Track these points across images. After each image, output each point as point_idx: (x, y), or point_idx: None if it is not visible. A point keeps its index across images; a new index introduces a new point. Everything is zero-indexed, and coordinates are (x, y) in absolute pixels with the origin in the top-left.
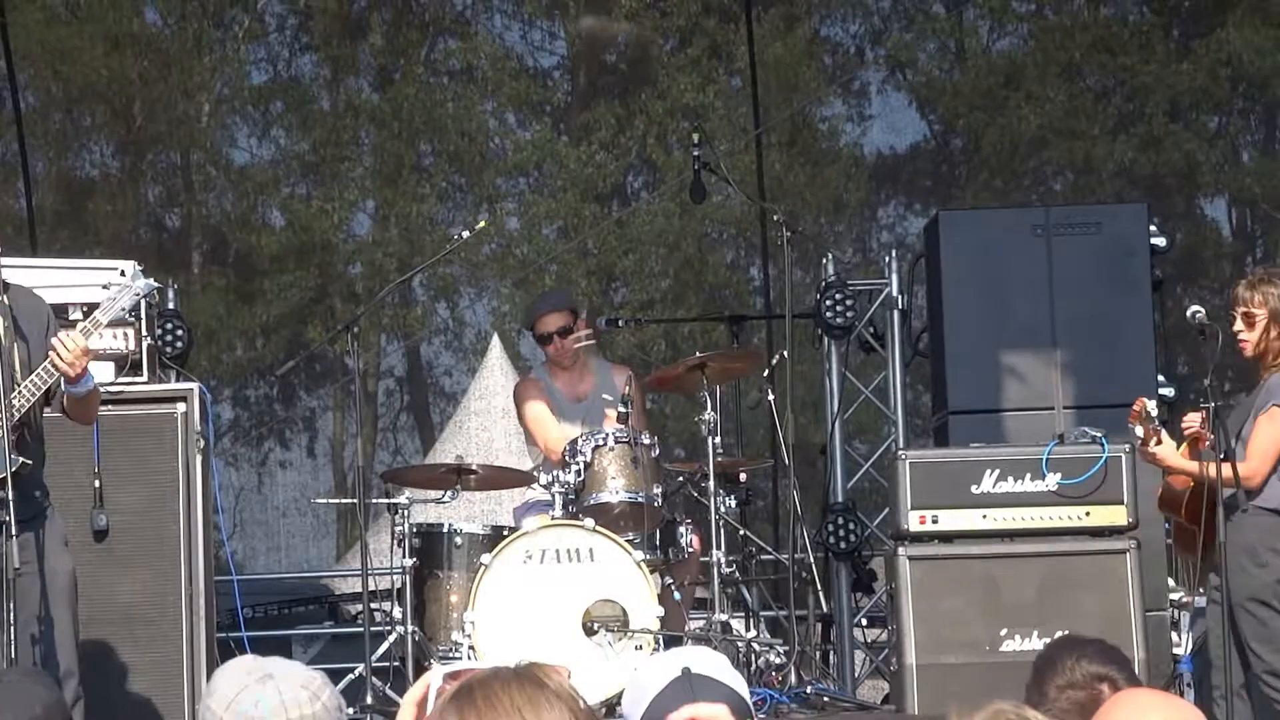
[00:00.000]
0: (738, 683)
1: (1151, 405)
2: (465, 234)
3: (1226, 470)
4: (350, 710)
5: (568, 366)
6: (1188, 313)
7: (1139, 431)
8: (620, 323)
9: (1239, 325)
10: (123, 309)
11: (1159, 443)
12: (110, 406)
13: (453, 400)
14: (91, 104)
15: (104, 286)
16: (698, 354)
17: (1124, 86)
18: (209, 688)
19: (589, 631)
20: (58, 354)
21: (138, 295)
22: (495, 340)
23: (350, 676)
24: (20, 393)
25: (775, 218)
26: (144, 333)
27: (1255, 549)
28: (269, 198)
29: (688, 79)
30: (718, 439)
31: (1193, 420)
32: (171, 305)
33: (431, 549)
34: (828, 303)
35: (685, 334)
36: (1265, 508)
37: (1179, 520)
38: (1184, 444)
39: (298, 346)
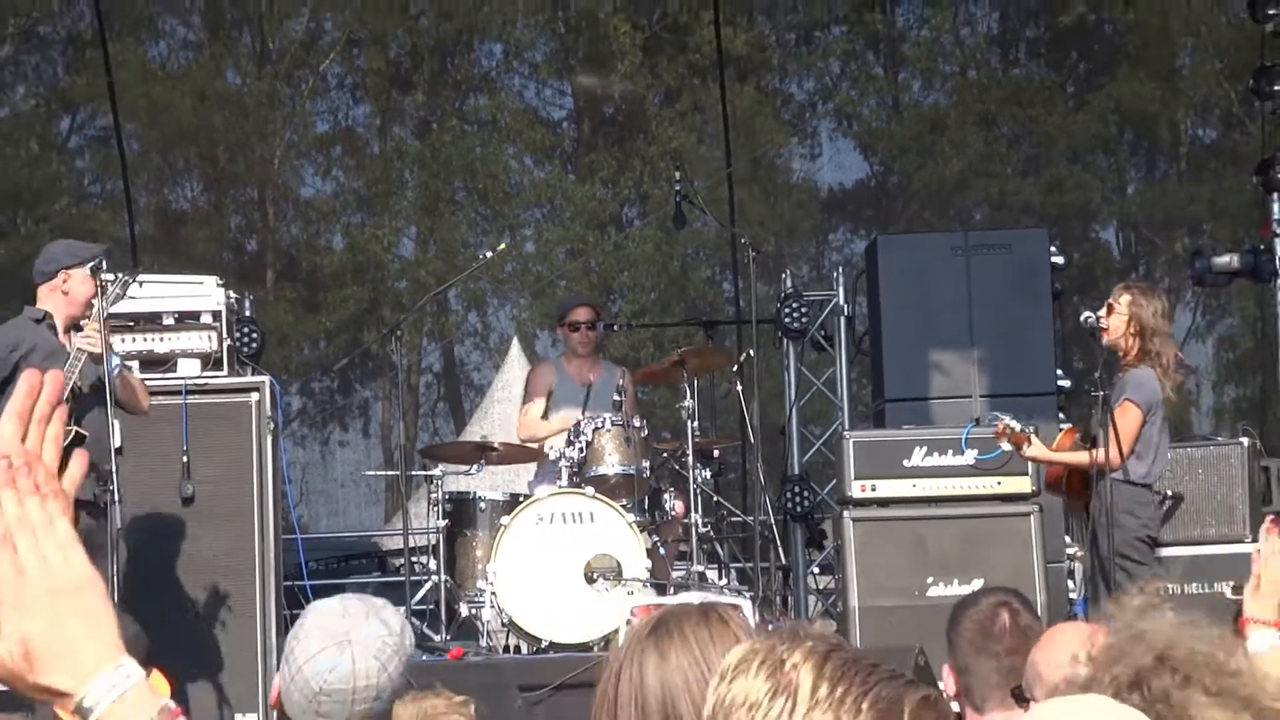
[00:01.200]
0: None
1: (1010, 421)
2: (489, 254)
3: (1099, 454)
4: None
5: (584, 355)
6: (1081, 318)
7: (1006, 446)
8: (616, 327)
9: (1102, 312)
10: (117, 295)
11: (1029, 445)
12: (196, 396)
13: (480, 391)
14: (183, 148)
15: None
16: (678, 350)
17: (1031, 134)
18: (300, 627)
19: (589, 580)
20: (83, 333)
21: (127, 283)
22: (515, 342)
23: None
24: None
25: (743, 241)
26: (224, 335)
27: (1116, 514)
28: (330, 225)
29: (674, 128)
30: (695, 422)
31: (1009, 426)
32: (248, 313)
33: (461, 512)
34: (786, 310)
35: (670, 337)
36: (1124, 480)
37: (1066, 492)
38: (1059, 436)
39: (354, 348)
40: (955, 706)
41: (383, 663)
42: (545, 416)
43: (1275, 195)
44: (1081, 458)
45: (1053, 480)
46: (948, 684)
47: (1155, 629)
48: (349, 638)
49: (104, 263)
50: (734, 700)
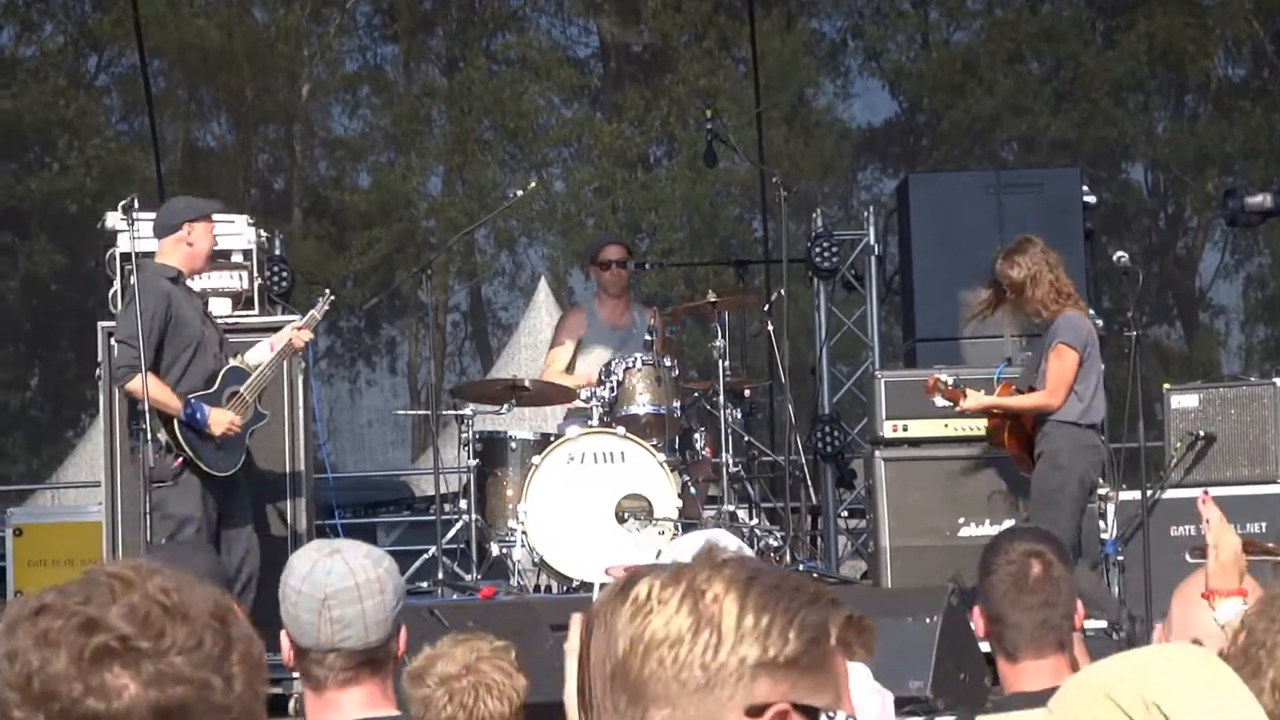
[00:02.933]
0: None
1: (941, 376)
2: (518, 193)
3: (1036, 399)
4: (424, 584)
5: (615, 294)
6: (1114, 258)
7: (941, 401)
8: (648, 266)
9: (1010, 295)
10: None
11: (965, 397)
12: (227, 334)
13: (508, 331)
14: (210, 86)
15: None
16: (711, 294)
17: (1062, 71)
18: (287, 569)
19: (620, 520)
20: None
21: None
22: (542, 283)
23: (424, 556)
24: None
25: (774, 180)
26: (255, 274)
27: (1057, 455)
28: (358, 164)
29: (701, 66)
30: (726, 362)
31: (940, 381)
32: (278, 252)
33: (491, 452)
34: (817, 250)
35: (699, 275)
36: (1063, 420)
37: (1010, 448)
38: (996, 390)
39: (383, 288)
40: (985, 647)
41: (375, 559)
42: (573, 363)
43: None
44: (1021, 401)
45: (995, 435)
46: (977, 626)
47: None
48: (336, 548)
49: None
50: (653, 638)
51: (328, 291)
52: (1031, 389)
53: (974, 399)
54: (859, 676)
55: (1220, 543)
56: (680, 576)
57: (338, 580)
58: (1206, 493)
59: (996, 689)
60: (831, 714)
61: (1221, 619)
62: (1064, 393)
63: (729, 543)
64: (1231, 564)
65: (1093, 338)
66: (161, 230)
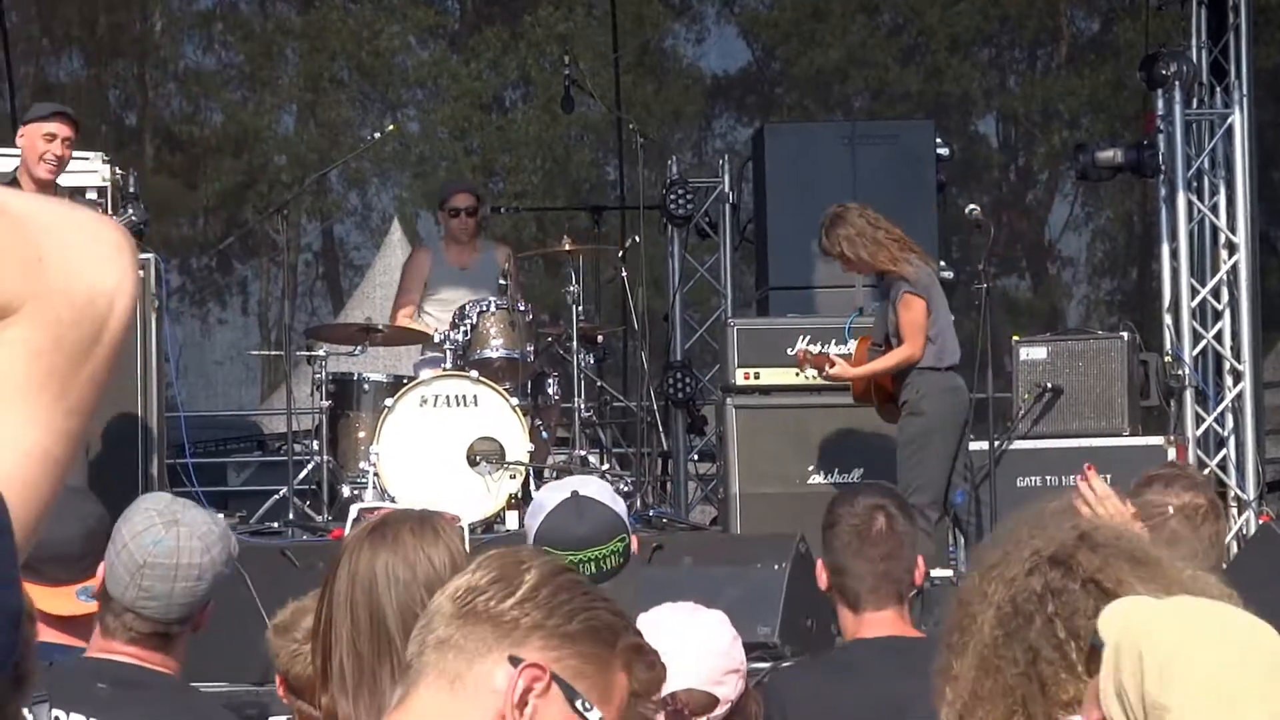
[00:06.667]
0: (617, 504)
1: (807, 345)
2: (376, 135)
3: (899, 355)
4: (275, 524)
5: (464, 241)
6: (966, 210)
7: (810, 372)
8: (504, 210)
9: (843, 268)
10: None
11: (832, 365)
12: None
13: (359, 271)
14: (63, 20)
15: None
16: (566, 240)
17: (912, 24)
18: (127, 515)
19: (472, 463)
20: None
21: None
22: (395, 223)
23: (275, 497)
24: None
25: (630, 127)
26: (110, 213)
27: (918, 402)
28: (211, 100)
29: (559, 10)
30: (580, 307)
31: (807, 352)
32: (133, 189)
33: (344, 393)
34: (672, 197)
35: (552, 219)
36: (922, 367)
37: (876, 399)
38: (855, 346)
39: (233, 225)
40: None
41: (207, 544)
42: (422, 303)
43: (1159, 91)
44: (886, 361)
45: (860, 393)
46: (820, 578)
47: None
48: (176, 518)
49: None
50: (457, 585)
51: None
52: (888, 342)
53: (841, 367)
54: (715, 621)
55: (1104, 510)
56: (511, 551)
57: (161, 555)
58: (1091, 467)
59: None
60: (587, 706)
61: None
62: (920, 341)
63: (597, 488)
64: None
65: (933, 280)
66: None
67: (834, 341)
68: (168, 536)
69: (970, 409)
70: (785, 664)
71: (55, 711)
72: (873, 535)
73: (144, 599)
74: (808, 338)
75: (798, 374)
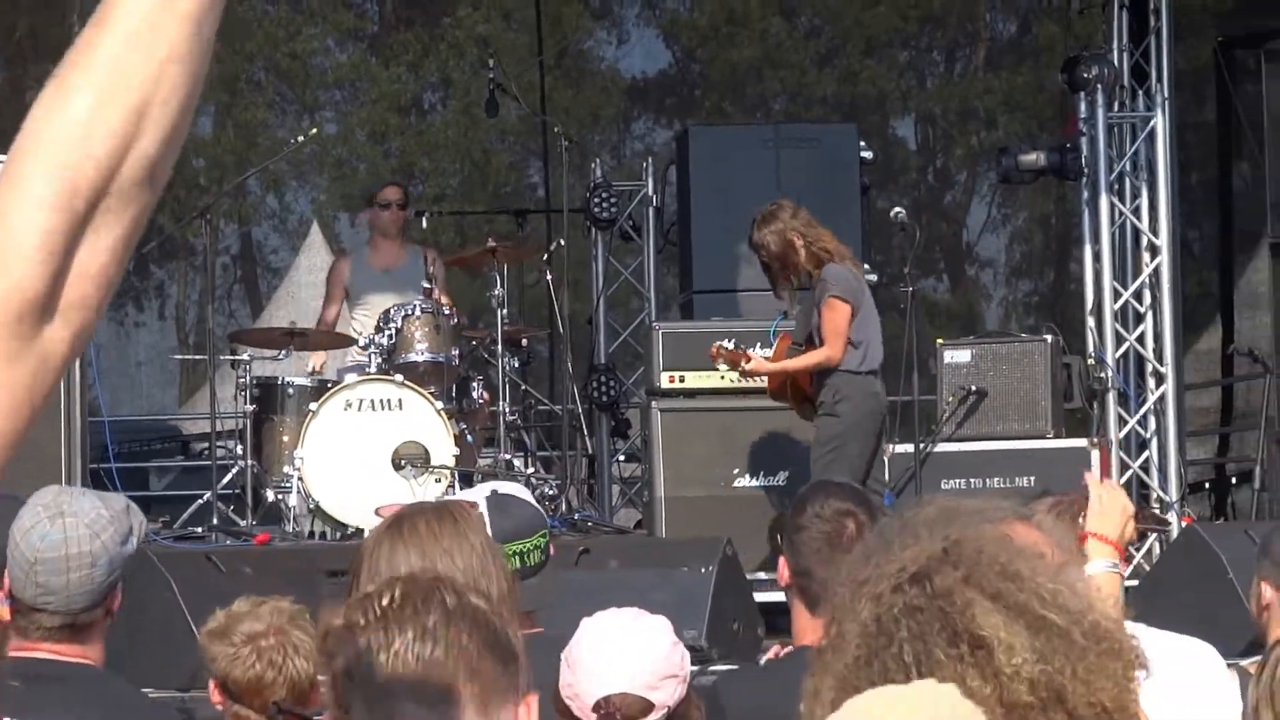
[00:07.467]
0: (537, 505)
1: (722, 343)
2: (300, 138)
3: (816, 356)
4: (199, 529)
5: (391, 236)
6: (891, 213)
7: (723, 367)
8: (429, 214)
9: (773, 265)
10: None
11: (749, 361)
12: None
13: (278, 274)
14: None
15: None
16: (490, 240)
17: (829, 26)
18: (23, 510)
19: (397, 467)
20: None
21: None
22: (315, 226)
23: (199, 501)
24: None
25: (555, 129)
26: None
27: (835, 405)
28: None
29: (479, 11)
30: (505, 311)
31: (722, 348)
32: None
33: (268, 397)
34: (595, 200)
35: (471, 223)
36: (841, 369)
37: (792, 398)
38: (775, 343)
39: (150, 229)
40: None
41: (95, 531)
42: (350, 309)
43: (1082, 94)
44: (802, 361)
45: (776, 388)
46: (781, 576)
47: (950, 518)
48: (61, 510)
49: None
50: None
51: None
52: (809, 342)
53: (756, 363)
54: (655, 627)
55: (1107, 494)
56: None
57: (49, 549)
58: (1104, 447)
59: (768, 640)
60: None
61: (1089, 570)
62: (841, 344)
63: (515, 488)
64: (1116, 512)
65: (863, 286)
66: None
67: (759, 344)
68: (53, 530)
69: (886, 414)
70: (728, 668)
71: None
72: (843, 543)
73: (43, 595)
74: (733, 340)
75: (721, 377)
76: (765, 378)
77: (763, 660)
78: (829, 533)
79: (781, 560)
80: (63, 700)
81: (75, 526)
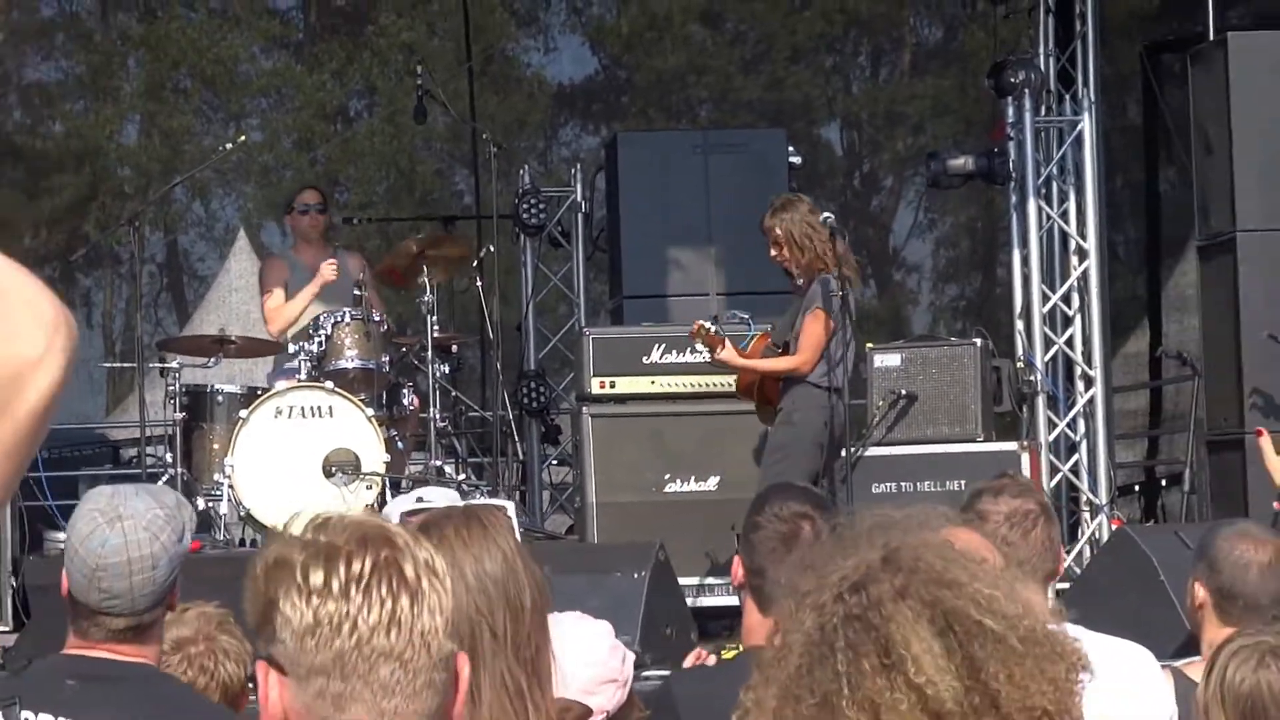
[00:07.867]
0: None
1: (707, 324)
2: (227, 146)
3: (788, 362)
4: None
5: (313, 241)
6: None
7: (700, 346)
8: (356, 221)
9: (773, 251)
10: None
11: (723, 348)
12: None
13: (204, 282)
14: None
15: None
16: (418, 237)
17: (754, 31)
18: (74, 516)
19: (328, 474)
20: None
21: None
22: (242, 233)
23: None
24: None
25: (484, 136)
26: None
27: (792, 412)
28: (53, 111)
29: (403, 19)
30: (435, 317)
31: (704, 327)
32: None
33: (197, 405)
34: (524, 206)
35: (395, 230)
36: (805, 380)
37: (757, 399)
38: (753, 341)
39: (75, 237)
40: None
41: (154, 532)
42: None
43: (1009, 99)
44: (773, 364)
45: (744, 387)
46: (735, 575)
47: (891, 524)
48: (119, 514)
49: None
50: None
51: None
52: (786, 347)
53: (730, 354)
54: (595, 632)
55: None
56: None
57: (110, 554)
58: (1261, 431)
59: (705, 643)
60: None
61: None
62: (815, 357)
63: (442, 493)
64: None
65: (849, 304)
66: None
67: (689, 349)
68: (113, 535)
69: (840, 430)
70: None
71: (24, 713)
72: (799, 544)
73: (108, 600)
74: (663, 346)
75: (652, 382)
76: (727, 375)
77: (685, 664)
78: (784, 533)
79: (736, 559)
80: (116, 700)
81: (134, 530)
